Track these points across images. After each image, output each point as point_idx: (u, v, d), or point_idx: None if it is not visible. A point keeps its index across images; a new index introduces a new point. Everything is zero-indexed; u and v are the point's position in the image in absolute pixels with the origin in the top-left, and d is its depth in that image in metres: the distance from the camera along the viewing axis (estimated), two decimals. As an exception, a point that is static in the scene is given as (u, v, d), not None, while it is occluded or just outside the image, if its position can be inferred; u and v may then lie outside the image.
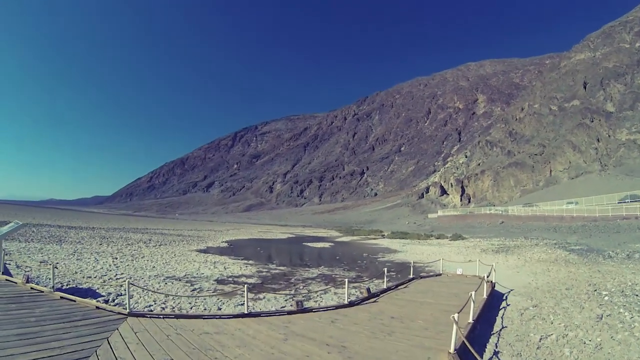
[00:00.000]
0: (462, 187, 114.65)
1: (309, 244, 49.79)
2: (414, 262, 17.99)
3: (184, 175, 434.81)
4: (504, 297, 13.41)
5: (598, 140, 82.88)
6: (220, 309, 12.24)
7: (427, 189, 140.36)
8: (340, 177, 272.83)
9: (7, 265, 13.79)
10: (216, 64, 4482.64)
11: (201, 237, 51.99)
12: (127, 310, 7.99)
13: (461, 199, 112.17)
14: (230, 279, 18.91)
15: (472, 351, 5.22)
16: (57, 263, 18.95)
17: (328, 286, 17.31)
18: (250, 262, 27.04)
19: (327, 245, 47.87)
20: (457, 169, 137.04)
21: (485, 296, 11.22)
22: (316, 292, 15.72)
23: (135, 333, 6.63)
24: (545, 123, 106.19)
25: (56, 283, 13.28)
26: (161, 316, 8.20)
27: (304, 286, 17.65)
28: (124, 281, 8.66)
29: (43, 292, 9.57)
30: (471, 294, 8.29)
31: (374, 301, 10.81)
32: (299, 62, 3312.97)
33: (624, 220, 39.76)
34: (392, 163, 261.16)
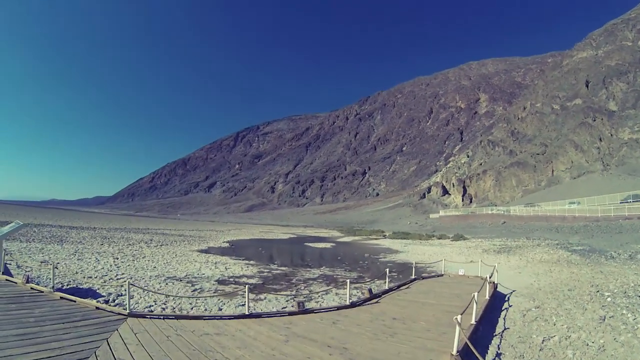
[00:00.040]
0: (464, 187, 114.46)
1: (310, 244, 49.74)
2: (415, 263, 17.95)
3: (186, 175, 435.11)
4: (506, 298, 13.34)
5: (600, 139, 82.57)
6: (221, 309, 12.20)
7: (429, 189, 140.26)
8: (342, 177, 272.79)
9: (7, 265, 13.78)
10: (216, 64, 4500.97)
11: (202, 238, 52.00)
12: (127, 311, 7.95)
13: (463, 199, 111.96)
14: (231, 279, 18.87)
15: (475, 353, 5.16)
16: (58, 263, 18.95)
17: (329, 287, 17.27)
18: (252, 262, 27.02)
19: (328, 245, 47.82)
20: (459, 168, 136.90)
21: (487, 297, 11.16)
22: (317, 292, 15.68)
23: (135, 334, 6.59)
24: (547, 122, 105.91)
25: (57, 283, 13.28)
26: (161, 317, 8.15)
27: (305, 287, 17.60)
28: (125, 281, 8.62)
29: (43, 292, 9.53)
30: (474, 295, 8.22)
31: (376, 302, 10.75)
32: (299, 62, 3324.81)
33: (627, 221, 39.55)
34: (394, 163, 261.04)
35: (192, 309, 12.14)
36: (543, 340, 8.76)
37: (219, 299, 13.57)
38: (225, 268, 22.56)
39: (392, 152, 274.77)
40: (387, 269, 14.43)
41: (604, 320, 9.73)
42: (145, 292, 13.61)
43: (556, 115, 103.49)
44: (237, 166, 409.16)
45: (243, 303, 12.18)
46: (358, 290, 15.45)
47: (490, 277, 13.14)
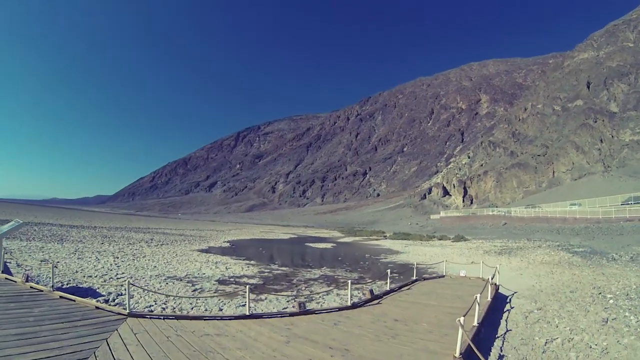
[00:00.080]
0: (465, 188, 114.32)
1: (311, 244, 49.69)
2: (416, 264, 17.87)
3: (187, 175, 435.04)
4: (508, 300, 13.29)
5: (601, 141, 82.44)
6: (221, 309, 12.14)
7: (430, 190, 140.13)
8: (342, 178, 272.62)
9: (7, 264, 13.73)
10: (216, 64, 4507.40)
11: (203, 237, 51.98)
12: (127, 311, 7.90)
13: (463, 200, 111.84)
14: (231, 279, 18.82)
15: (479, 355, 5.09)
16: (58, 262, 18.92)
17: (330, 287, 17.21)
18: (252, 262, 26.97)
19: (329, 245, 47.75)
20: (460, 169, 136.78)
21: (489, 299, 11.11)
22: (318, 293, 15.62)
23: (135, 334, 6.53)
24: (548, 123, 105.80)
25: (56, 282, 13.25)
26: (161, 317, 8.10)
27: (306, 287, 17.54)
28: (125, 281, 8.57)
29: (42, 291, 9.49)
30: (476, 297, 8.17)
31: (377, 303, 10.69)
32: (299, 62, 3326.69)
33: (628, 222, 39.51)
34: (394, 164, 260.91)
35: (192, 309, 12.08)
36: (546, 343, 8.70)
37: (219, 299, 13.52)
38: (226, 268, 22.51)
39: (393, 153, 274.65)
40: (388, 270, 14.38)
41: (607, 322, 9.68)
42: (146, 291, 13.57)
43: (557, 117, 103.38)
44: (237, 166, 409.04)
45: (244, 303, 12.13)
46: (359, 291, 15.40)
47: (492, 279, 13.07)
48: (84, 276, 16.09)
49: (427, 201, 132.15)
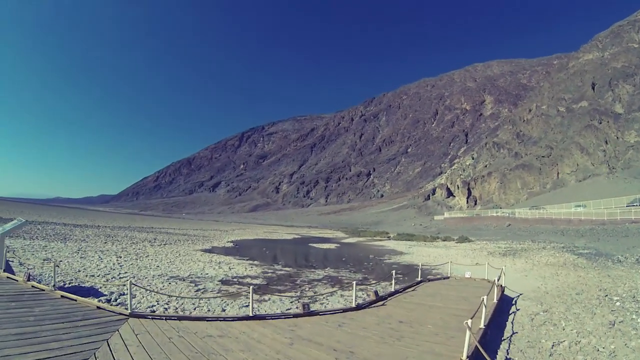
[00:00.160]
0: (469, 189, 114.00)
1: (314, 244, 49.59)
2: (421, 265, 17.73)
3: (191, 175, 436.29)
4: (514, 302, 13.15)
5: (606, 142, 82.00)
6: (224, 310, 12.06)
7: (434, 191, 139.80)
8: (346, 178, 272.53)
9: (10, 263, 13.72)
10: (217, 64, 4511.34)
11: (206, 237, 51.99)
12: (129, 311, 7.82)
13: (467, 201, 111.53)
14: (235, 279, 18.74)
15: (487, 358, 4.98)
16: (61, 261, 18.90)
17: (334, 288, 17.07)
18: (256, 262, 26.88)
19: (333, 246, 47.64)
20: (464, 170, 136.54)
21: (495, 301, 10.98)
22: (322, 294, 15.49)
23: (136, 335, 6.45)
24: (552, 124, 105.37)
25: (59, 281, 13.22)
26: (163, 317, 8.02)
27: (309, 288, 17.43)
28: (127, 280, 8.49)
29: (44, 290, 9.44)
30: (483, 299, 8.05)
31: (382, 304, 10.58)
32: (299, 62, 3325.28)
33: (633, 224, 39.25)
34: (398, 164, 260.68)
35: (195, 309, 11.99)
36: (552, 345, 8.57)
37: (222, 300, 13.43)
38: (229, 268, 22.43)
39: (397, 154, 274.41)
40: (393, 271, 14.25)
41: (614, 325, 9.55)
42: (148, 291, 13.49)
43: (562, 118, 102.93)
44: (241, 166, 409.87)
45: (247, 304, 12.04)
46: (363, 292, 15.28)
47: (497, 280, 12.94)
48: (87, 275, 16.05)
49: (431, 202, 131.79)
